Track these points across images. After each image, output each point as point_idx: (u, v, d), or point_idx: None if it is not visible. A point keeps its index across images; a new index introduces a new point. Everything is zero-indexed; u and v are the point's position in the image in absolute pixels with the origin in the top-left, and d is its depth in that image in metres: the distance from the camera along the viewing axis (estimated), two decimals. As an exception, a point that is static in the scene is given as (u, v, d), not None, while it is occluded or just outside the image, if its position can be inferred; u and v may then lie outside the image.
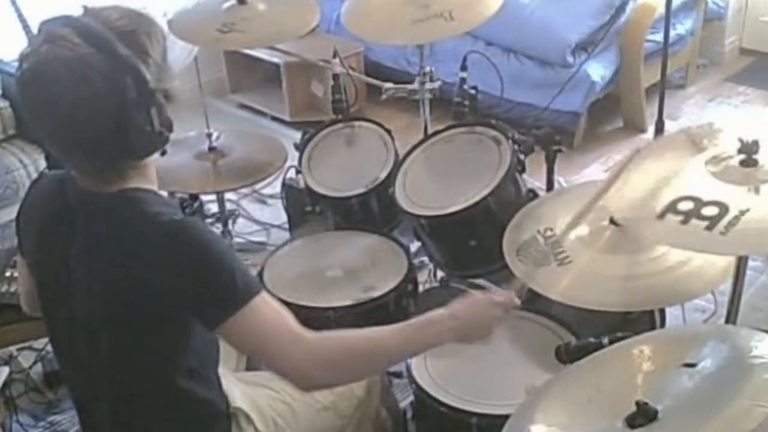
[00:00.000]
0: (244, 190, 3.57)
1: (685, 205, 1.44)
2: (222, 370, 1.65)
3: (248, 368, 1.95)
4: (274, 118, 4.39)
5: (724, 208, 1.40)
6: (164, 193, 1.56)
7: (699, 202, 1.43)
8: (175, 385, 1.51)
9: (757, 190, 1.44)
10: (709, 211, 1.41)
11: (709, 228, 1.38)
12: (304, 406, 1.76)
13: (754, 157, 1.49)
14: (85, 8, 1.39)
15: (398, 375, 2.23)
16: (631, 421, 1.13)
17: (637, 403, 1.13)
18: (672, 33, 3.71)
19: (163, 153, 1.46)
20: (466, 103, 2.51)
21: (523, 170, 2.27)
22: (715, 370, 1.16)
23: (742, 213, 1.38)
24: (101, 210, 1.44)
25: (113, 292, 1.42)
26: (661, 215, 1.44)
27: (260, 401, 1.71)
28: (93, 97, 1.32)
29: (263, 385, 1.76)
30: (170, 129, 1.43)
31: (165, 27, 1.49)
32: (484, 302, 1.59)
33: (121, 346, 1.48)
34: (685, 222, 1.41)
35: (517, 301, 1.64)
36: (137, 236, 1.41)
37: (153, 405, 1.54)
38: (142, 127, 1.38)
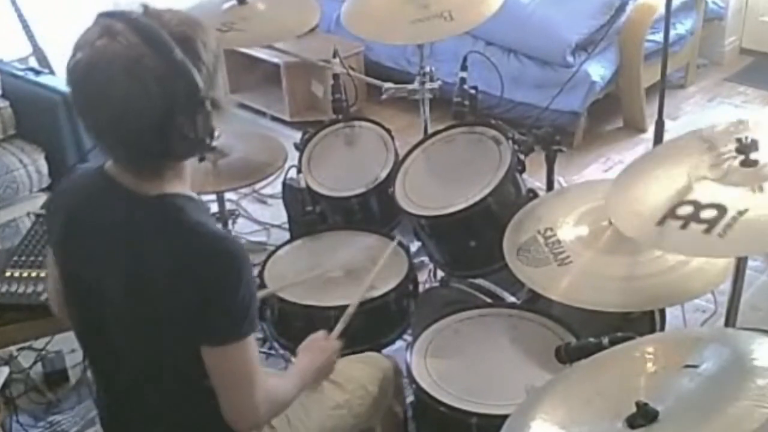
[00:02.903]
0: (244, 190, 3.57)
1: (685, 210, 1.44)
2: None
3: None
4: (274, 118, 4.39)
5: (722, 210, 1.41)
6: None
7: (698, 206, 1.44)
8: (202, 384, 1.52)
9: (761, 189, 1.45)
10: (708, 214, 1.41)
11: (707, 231, 1.38)
12: (316, 404, 1.78)
13: (754, 156, 1.49)
14: (146, 7, 1.40)
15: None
16: (632, 422, 1.13)
17: (637, 404, 1.13)
18: (672, 33, 3.70)
19: (201, 159, 1.46)
20: (466, 103, 2.50)
21: (523, 170, 2.27)
22: (716, 372, 1.16)
23: (740, 214, 1.39)
24: (142, 213, 1.45)
25: (145, 292, 1.45)
26: (661, 221, 1.45)
27: None
28: (144, 98, 1.33)
29: None
30: (212, 137, 1.44)
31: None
32: (326, 353, 1.80)
33: (151, 344, 1.51)
34: (684, 227, 1.41)
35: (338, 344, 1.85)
36: (177, 244, 1.42)
37: (178, 399, 1.57)
38: (186, 133, 1.38)
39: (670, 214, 1.45)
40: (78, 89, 1.38)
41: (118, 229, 1.46)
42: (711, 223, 1.39)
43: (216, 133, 1.45)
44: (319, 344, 1.82)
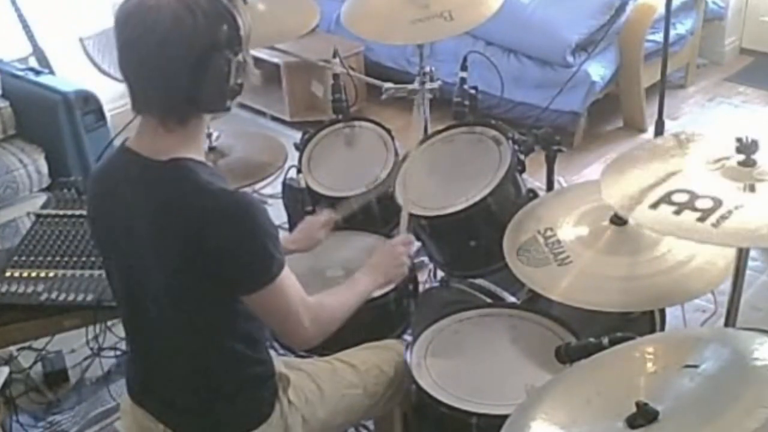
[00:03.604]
0: (244, 190, 3.57)
1: (680, 197, 1.47)
2: None
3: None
4: (274, 118, 4.39)
5: (718, 202, 1.43)
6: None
7: (693, 195, 1.46)
8: (230, 347, 1.62)
9: (752, 188, 1.46)
10: (703, 204, 1.44)
11: (701, 219, 1.41)
12: (331, 384, 1.83)
13: (753, 157, 1.50)
14: None
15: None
16: (632, 422, 1.13)
17: (637, 404, 1.13)
18: (672, 33, 3.71)
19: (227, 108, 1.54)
20: (466, 103, 2.50)
21: (523, 170, 2.27)
22: (717, 372, 1.16)
23: (736, 208, 1.41)
24: (155, 177, 1.52)
25: (167, 255, 1.52)
26: (655, 205, 1.47)
27: (291, 377, 1.77)
28: (190, 29, 1.42)
29: (291, 366, 1.82)
30: (239, 92, 1.54)
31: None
32: (392, 248, 1.97)
33: (179, 308, 1.57)
34: (678, 213, 1.44)
35: (412, 238, 2.06)
36: (190, 203, 1.49)
37: (210, 363, 1.64)
38: (219, 75, 1.47)
39: (666, 199, 1.47)
40: (126, 22, 1.45)
41: (135, 196, 1.54)
42: (706, 213, 1.42)
43: (241, 90, 1.54)
44: (383, 247, 2.00)
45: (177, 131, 1.52)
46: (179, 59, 1.44)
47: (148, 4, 1.43)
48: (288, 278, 1.58)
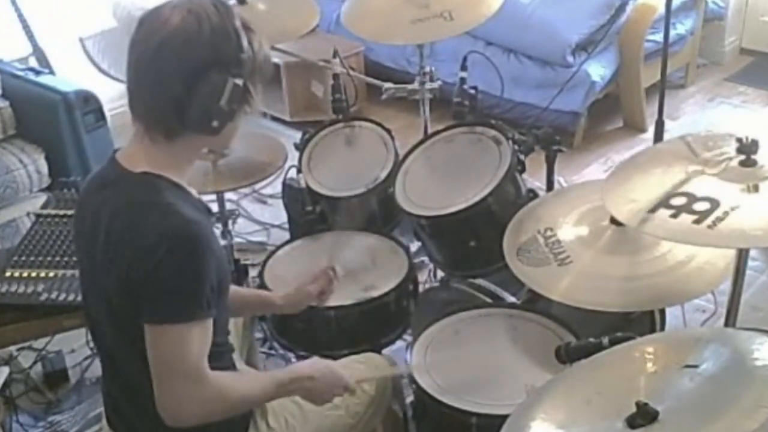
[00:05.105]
0: (244, 190, 3.57)
1: (678, 201, 1.47)
2: (240, 366, 1.70)
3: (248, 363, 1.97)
4: (274, 118, 4.39)
5: (715, 204, 1.43)
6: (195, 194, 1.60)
7: (692, 198, 1.46)
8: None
9: (756, 188, 1.45)
10: (700, 206, 1.44)
11: (697, 222, 1.41)
12: (313, 405, 1.76)
13: (753, 157, 1.50)
14: None
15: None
16: (632, 422, 1.13)
17: (637, 404, 1.13)
18: (672, 33, 3.71)
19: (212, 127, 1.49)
20: (466, 103, 2.50)
21: (523, 170, 2.27)
22: (717, 372, 1.16)
23: (732, 209, 1.41)
24: (121, 187, 1.50)
25: (116, 266, 1.47)
26: (653, 209, 1.46)
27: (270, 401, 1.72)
28: (193, 37, 1.42)
29: None
30: (230, 117, 1.50)
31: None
32: (337, 379, 1.70)
33: (130, 325, 1.49)
34: (675, 216, 1.44)
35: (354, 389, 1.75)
36: (140, 217, 1.45)
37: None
38: (211, 92, 1.44)
39: (664, 203, 1.47)
40: (141, 23, 1.47)
41: (100, 205, 1.52)
42: (702, 215, 1.42)
43: (231, 117, 1.50)
44: (334, 367, 1.72)
45: (161, 145, 1.49)
46: (174, 65, 1.42)
47: (163, 10, 1.45)
48: (199, 336, 1.45)
